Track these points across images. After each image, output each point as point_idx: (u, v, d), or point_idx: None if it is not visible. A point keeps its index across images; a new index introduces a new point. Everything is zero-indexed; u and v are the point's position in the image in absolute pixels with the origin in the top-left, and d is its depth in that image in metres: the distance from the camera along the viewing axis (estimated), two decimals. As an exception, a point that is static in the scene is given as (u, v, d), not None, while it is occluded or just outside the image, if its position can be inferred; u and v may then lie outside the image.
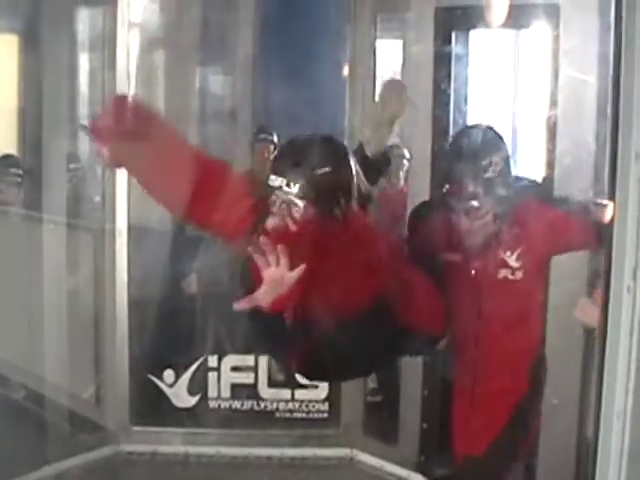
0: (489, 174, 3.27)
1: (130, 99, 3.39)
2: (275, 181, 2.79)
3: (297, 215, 2.79)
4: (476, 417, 3.50)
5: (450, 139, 3.58)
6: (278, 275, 2.61)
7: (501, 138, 3.44)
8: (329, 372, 3.30)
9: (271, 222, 2.82)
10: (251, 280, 2.78)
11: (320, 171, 2.81)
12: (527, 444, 3.73)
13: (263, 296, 2.67)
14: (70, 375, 5.30)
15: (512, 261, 3.36)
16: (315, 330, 2.84)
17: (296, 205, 2.78)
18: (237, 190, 3.04)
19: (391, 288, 2.86)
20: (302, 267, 2.62)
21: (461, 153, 3.36)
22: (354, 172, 2.89)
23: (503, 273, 3.38)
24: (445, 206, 3.35)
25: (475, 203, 3.27)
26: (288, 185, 2.77)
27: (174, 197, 3.07)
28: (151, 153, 3.00)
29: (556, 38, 4.04)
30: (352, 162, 2.90)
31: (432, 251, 3.42)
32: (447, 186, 3.33)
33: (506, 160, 3.33)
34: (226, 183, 3.06)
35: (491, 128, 3.57)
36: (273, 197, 2.80)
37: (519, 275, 3.36)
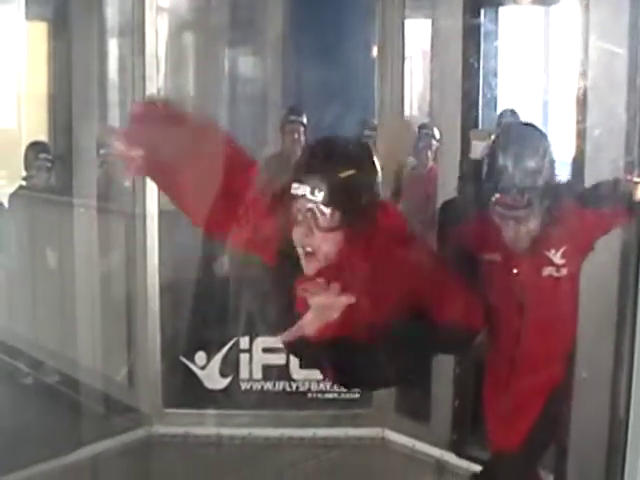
0: (539, 183, 3.22)
1: (158, 104, 3.11)
2: (298, 189, 2.66)
3: (324, 223, 2.65)
4: (512, 411, 3.49)
5: (493, 143, 3.48)
6: (328, 301, 2.44)
7: (546, 138, 3.39)
8: (371, 381, 3.24)
9: (297, 233, 2.70)
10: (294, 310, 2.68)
11: (344, 174, 2.67)
12: (560, 432, 3.72)
13: (310, 324, 2.51)
14: (103, 358, 5.33)
15: (557, 259, 3.34)
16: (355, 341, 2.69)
17: (323, 213, 2.64)
18: (258, 203, 2.87)
19: (426, 285, 2.72)
20: (351, 293, 2.43)
21: (510, 162, 3.27)
22: (378, 172, 2.77)
23: (548, 271, 3.36)
24: (488, 211, 3.31)
25: (523, 212, 3.24)
26: (313, 193, 2.64)
27: (198, 206, 2.91)
28: (180, 158, 2.81)
29: (586, 11, 4.00)
30: (376, 162, 2.78)
31: (469, 250, 3.41)
32: (497, 196, 3.24)
33: (552, 163, 3.30)
34: (249, 195, 2.88)
35: (536, 128, 3.53)
36: (297, 206, 2.67)
37: (564, 272, 3.35)
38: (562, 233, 3.31)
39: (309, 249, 2.69)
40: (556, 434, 3.68)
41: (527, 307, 3.37)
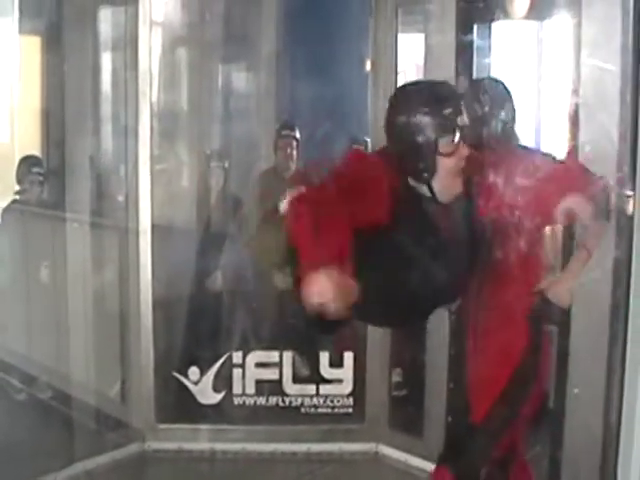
0: None
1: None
2: (464, 119, 3.09)
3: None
4: (478, 382, 3.52)
5: None
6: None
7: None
8: None
9: (452, 161, 3.09)
10: None
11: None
12: (530, 406, 3.71)
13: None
14: (96, 374, 5.33)
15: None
16: None
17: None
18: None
19: None
20: None
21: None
22: None
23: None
24: None
25: None
26: (464, 119, 3.10)
27: None
28: None
29: (578, 27, 4.01)
30: None
31: None
32: None
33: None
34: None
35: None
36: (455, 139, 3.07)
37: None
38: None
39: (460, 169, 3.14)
40: (522, 406, 3.65)
41: (482, 262, 3.36)
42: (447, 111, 3.05)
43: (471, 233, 3.26)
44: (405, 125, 3.07)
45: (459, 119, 3.06)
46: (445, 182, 3.12)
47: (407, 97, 3.17)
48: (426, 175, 3.11)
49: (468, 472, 3.58)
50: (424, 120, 3.04)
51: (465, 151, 3.09)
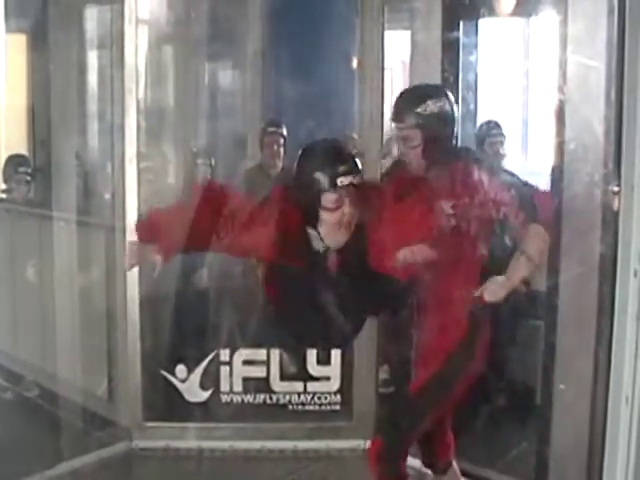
0: None
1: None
2: (346, 180, 3.46)
3: None
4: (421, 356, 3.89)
5: None
6: None
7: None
8: None
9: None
10: None
11: None
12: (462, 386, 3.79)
13: None
14: (83, 372, 5.31)
15: (447, 209, 3.54)
16: None
17: None
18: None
19: None
20: None
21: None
22: None
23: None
24: None
25: None
26: None
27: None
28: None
29: (564, 24, 4.01)
30: None
31: None
32: None
33: None
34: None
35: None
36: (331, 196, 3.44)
37: (452, 222, 3.54)
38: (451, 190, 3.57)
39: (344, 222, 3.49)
40: (455, 386, 3.74)
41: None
42: (333, 170, 3.41)
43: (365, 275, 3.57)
44: (301, 177, 3.49)
45: (339, 180, 3.40)
46: (329, 231, 3.49)
47: (308, 154, 3.57)
48: (312, 222, 3.50)
49: (397, 440, 3.82)
50: (313, 175, 3.42)
51: (348, 209, 3.44)
